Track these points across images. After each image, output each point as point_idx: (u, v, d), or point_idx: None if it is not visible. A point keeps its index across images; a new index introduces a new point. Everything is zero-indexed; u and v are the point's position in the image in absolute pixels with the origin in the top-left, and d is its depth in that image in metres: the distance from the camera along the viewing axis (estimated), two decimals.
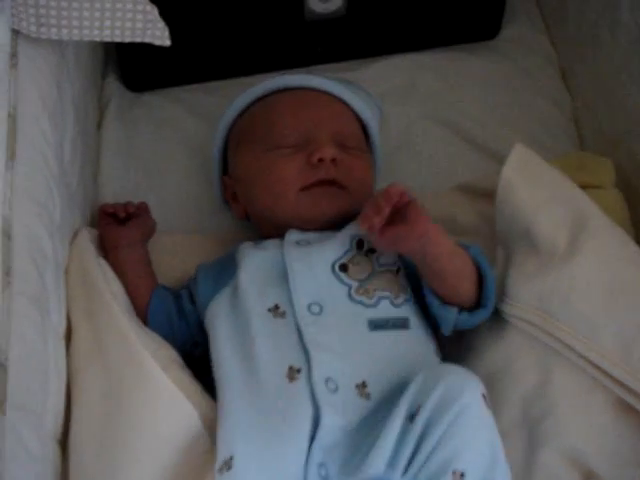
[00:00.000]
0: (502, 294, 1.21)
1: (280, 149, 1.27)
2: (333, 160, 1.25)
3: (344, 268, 1.20)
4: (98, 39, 1.12)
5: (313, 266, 1.19)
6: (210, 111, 1.55)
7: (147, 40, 1.15)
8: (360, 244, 1.22)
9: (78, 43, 1.30)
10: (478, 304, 1.19)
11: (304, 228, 1.25)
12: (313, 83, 1.33)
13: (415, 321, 1.19)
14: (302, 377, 1.09)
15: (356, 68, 1.62)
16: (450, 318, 1.18)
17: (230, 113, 1.35)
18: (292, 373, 1.09)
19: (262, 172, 1.27)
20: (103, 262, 1.23)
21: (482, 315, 1.19)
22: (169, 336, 1.21)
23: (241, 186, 1.32)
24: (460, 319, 1.18)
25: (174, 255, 1.38)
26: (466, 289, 1.17)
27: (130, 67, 1.57)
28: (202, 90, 1.61)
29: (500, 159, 1.32)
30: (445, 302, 1.17)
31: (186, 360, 1.19)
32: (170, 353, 1.16)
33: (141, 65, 1.56)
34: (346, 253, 1.21)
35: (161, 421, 1.07)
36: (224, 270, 1.25)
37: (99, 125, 1.55)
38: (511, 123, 1.57)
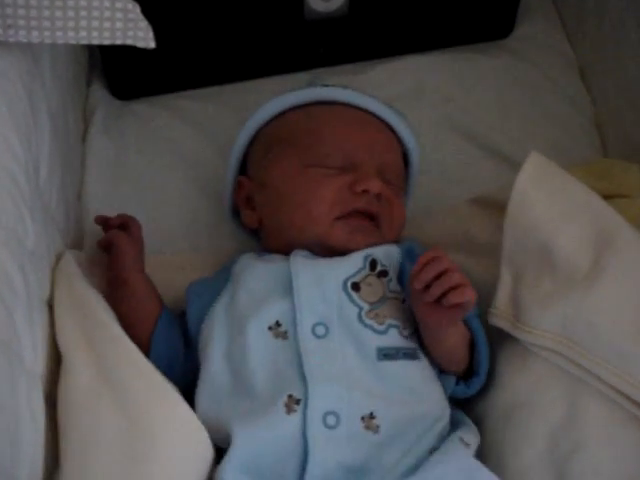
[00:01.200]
0: (515, 319, 1.15)
1: (323, 168, 1.22)
2: (378, 195, 1.20)
3: (356, 287, 1.14)
4: (73, 42, 1.04)
5: (322, 280, 1.14)
6: (205, 120, 1.52)
7: (129, 42, 1.07)
8: (373, 264, 1.17)
9: (54, 47, 1.23)
10: (471, 371, 1.17)
11: (318, 253, 1.20)
12: (366, 104, 1.29)
13: (422, 353, 1.15)
14: (299, 410, 1.05)
15: (360, 71, 1.58)
16: (448, 388, 1.16)
17: (265, 112, 1.30)
18: (291, 403, 1.05)
19: (300, 187, 1.21)
20: (90, 287, 1.15)
21: (477, 384, 1.17)
22: (173, 367, 1.15)
23: (266, 193, 1.25)
24: (457, 390, 1.17)
25: (168, 278, 1.30)
26: (461, 356, 1.16)
27: (116, 73, 1.53)
28: (196, 97, 1.57)
29: (519, 167, 1.25)
30: (442, 371, 1.16)
31: None
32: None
33: (129, 71, 1.51)
34: (359, 272, 1.16)
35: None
36: (217, 285, 1.20)
37: (83, 137, 1.49)
38: (528, 128, 1.53)
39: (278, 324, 1.11)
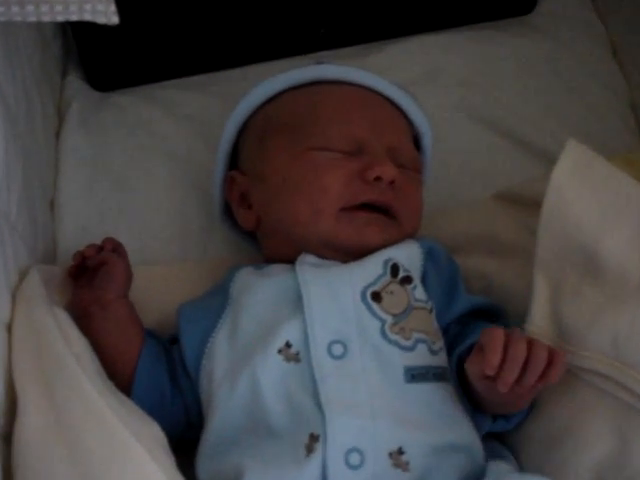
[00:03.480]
0: (557, 337, 1.08)
1: (327, 151, 1.16)
2: (391, 182, 1.13)
3: (377, 297, 1.06)
4: (19, 19, 0.91)
5: (337, 291, 1.07)
6: (193, 112, 1.46)
7: (87, 18, 0.94)
8: (395, 270, 1.09)
9: (9, 30, 1.13)
10: None
11: (328, 257, 1.12)
12: (370, 82, 1.22)
13: (451, 373, 1.08)
14: (319, 449, 0.96)
15: (367, 53, 1.52)
16: (484, 427, 1.07)
17: (254, 97, 1.24)
18: (312, 443, 0.97)
19: (302, 175, 1.14)
20: (59, 311, 1.06)
21: (520, 418, 1.09)
22: (157, 412, 1.05)
23: (263, 187, 1.18)
24: (494, 426, 1.09)
25: (153, 292, 1.23)
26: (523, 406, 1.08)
27: (94, 62, 1.47)
28: (182, 87, 1.51)
29: (548, 158, 1.23)
30: (477, 410, 1.08)
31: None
32: (154, 432, 1.00)
33: (108, 59, 1.46)
34: (379, 279, 1.08)
35: None
36: (213, 310, 1.12)
37: (57, 134, 1.43)
38: (556, 113, 1.47)
39: (288, 345, 1.03)
